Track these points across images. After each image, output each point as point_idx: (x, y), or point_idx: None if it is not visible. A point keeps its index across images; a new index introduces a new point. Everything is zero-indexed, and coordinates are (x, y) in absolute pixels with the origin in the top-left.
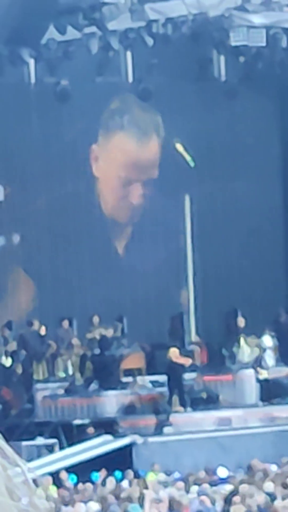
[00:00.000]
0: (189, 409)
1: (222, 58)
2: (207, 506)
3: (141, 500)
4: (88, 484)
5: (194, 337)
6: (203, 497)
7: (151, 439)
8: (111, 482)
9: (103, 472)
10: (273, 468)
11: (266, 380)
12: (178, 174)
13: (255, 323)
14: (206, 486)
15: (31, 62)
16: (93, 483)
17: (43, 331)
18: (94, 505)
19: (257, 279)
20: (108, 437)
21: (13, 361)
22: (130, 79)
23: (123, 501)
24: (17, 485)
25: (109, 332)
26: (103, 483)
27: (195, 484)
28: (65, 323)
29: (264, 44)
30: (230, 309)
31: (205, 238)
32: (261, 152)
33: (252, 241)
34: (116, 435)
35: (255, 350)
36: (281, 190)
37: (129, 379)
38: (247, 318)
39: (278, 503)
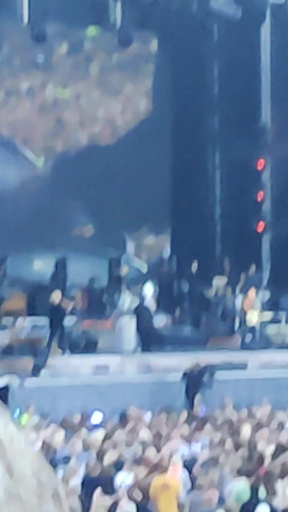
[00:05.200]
0: (67, 353)
1: (119, 4)
2: (79, 451)
3: None
4: None
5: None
6: (75, 442)
7: (27, 381)
8: None
9: None
10: (148, 416)
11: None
12: None
13: (137, 270)
14: (81, 431)
15: None
16: None
17: None
18: None
19: (141, 229)
20: None
21: None
22: (25, 20)
23: None
24: None
25: None
26: None
27: (70, 429)
28: None
29: None
30: (114, 256)
31: None
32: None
33: None
34: None
35: (136, 297)
36: None
37: (9, 320)
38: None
39: (150, 451)
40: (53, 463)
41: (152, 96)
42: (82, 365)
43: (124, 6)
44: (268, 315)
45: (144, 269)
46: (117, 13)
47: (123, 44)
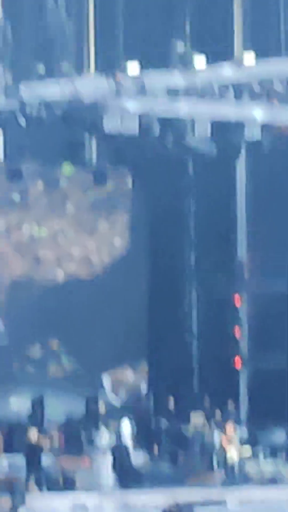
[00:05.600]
0: (45, 491)
1: (93, 142)
2: None
3: None
4: None
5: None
6: None
7: None
8: None
9: None
10: None
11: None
12: None
13: (115, 407)
14: None
15: None
16: None
17: None
18: None
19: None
20: None
21: None
22: (1, 158)
23: None
24: None
25: None
26: None
27: None
28: None
29: (136, 131)
30: (91, 394)
31: None
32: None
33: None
34: None
35: (113, 434)
36: None
37: None
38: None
39: None
40: None
41: (128, 232)
42: (60, 503)
43: (99, 144)
44: (247, 450)
45: (121, 405)
46: (92, 151)
47: (99, 182)
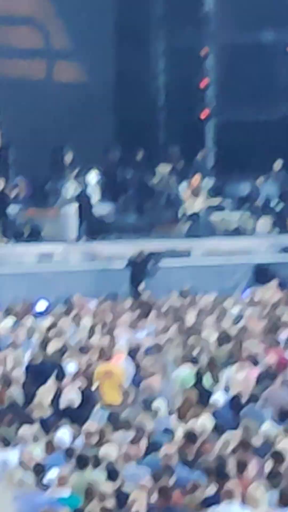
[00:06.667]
0: (11, 241)
1: None
2: (22, 339)
3: None
4: None
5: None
6: (20, 329)
7: None
8: None
9: None
10: (93, 303)
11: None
12: None
13: (81, 159)
14: (26, 318)
15: None
16: None
17: None
18: None
19: (85, 117)
20: None
21: None
22: None
23: None
24: None
25: None
26: None
27: (15, 317)
28: None
29: None
30: (57, 144)
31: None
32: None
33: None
34: None
35: (80, 185)
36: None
37: None
38: (74, 154)
39: (94, 338)
40: None
41: None
42: (26, 253)
43: None
44: (213, 201)
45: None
46: None
47: None
